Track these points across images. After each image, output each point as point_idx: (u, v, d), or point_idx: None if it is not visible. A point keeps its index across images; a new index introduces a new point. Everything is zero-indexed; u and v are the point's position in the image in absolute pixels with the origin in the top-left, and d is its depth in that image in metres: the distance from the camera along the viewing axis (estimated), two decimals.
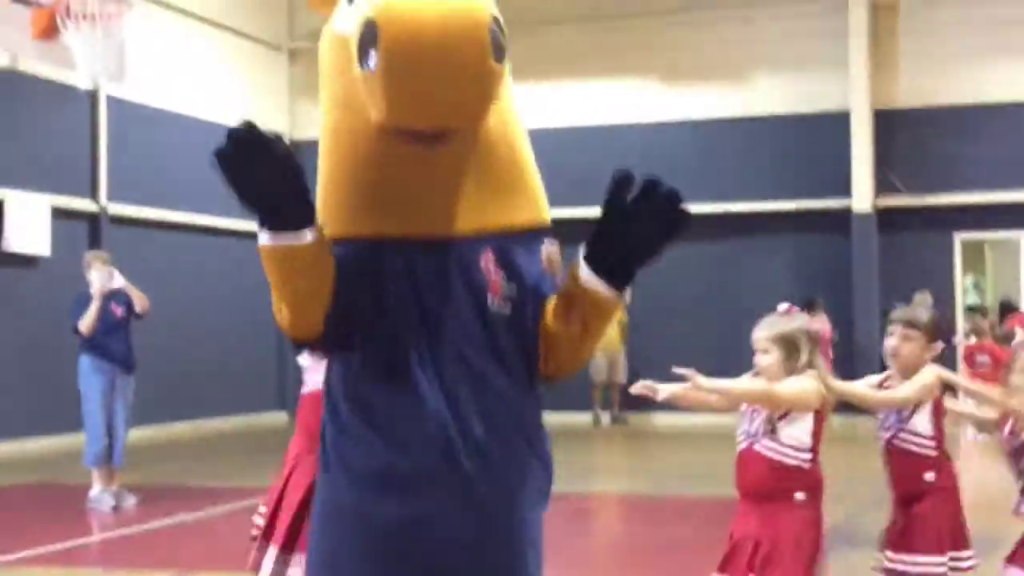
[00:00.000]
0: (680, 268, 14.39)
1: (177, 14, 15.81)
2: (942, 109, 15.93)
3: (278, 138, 2.18)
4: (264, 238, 2.23)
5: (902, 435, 4.47)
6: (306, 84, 17.78)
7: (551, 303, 2.37)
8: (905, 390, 4.42)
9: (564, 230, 2.63)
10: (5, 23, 7.75)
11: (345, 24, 2.30)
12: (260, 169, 2.16)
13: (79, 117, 14.24)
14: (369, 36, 2.11)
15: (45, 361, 12.97)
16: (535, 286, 2.38)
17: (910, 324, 4.51)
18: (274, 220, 2.20)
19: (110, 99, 14.39)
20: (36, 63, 9.67)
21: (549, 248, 2.42)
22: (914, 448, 4.46)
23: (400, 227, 2.30)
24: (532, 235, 2.42)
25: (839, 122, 16.14)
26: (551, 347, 2.38)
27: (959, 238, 16.03)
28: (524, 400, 2.37)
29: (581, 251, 2.31)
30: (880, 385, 4.59)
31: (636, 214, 2.23)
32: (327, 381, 2.40)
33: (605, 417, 16.31)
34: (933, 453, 4.46)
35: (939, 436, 4.48)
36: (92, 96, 14.11)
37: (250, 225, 2.29)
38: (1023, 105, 15.67)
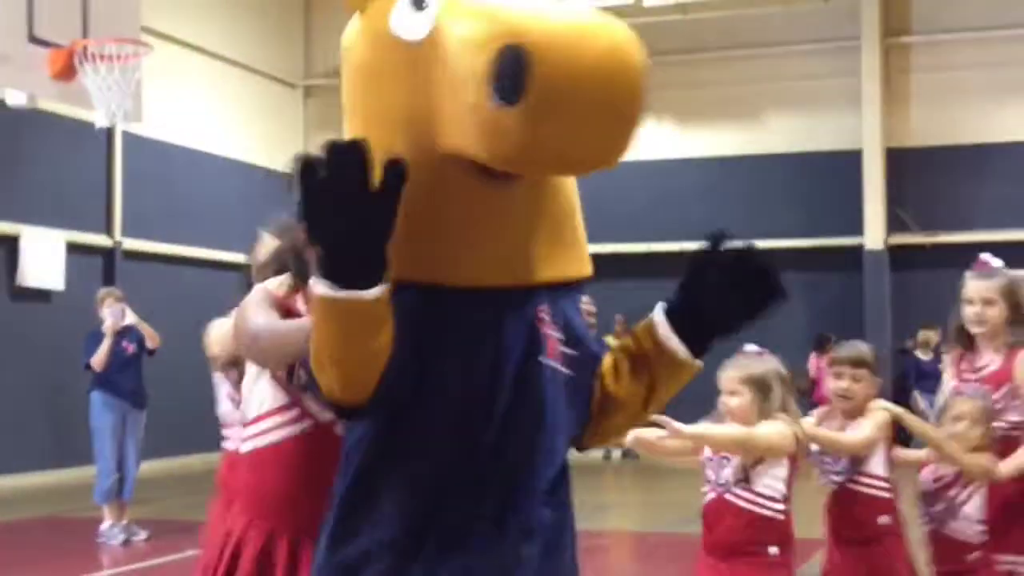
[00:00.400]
0: None
1: (192, 51, 15.95)
2: (954, 148, 15.96)
3: (395, 166, 1.81)
4: (326, 288, 1.84)
5: (857, 478, 4.23)
6: (321, 120, 17.88)
7: (609, 363, 2.17)
8: (866, 431, 4.20)
9: None
10: (23, 63, 7.83)
11: (412, 30, 1.96)
12: (356, 205, 1.79)
13: (95, 152, 14.35)
14: (512, 63, 1.75)
15: (58, 394, 13.00)
16: (590, 345, 2.17)
17: (859, 363, 4.28)
18: (348, 270, 1.83)
19: (126, 135, 14.51)
20: (53, 102, 9.77)
21: (587, 304, 2.26)
22: (870, 492, 4.23)
23: (456, 274, 1.99)
24: (579, 289, 2.19)
25: (851, 160, 16.18)
26: (606, 411, 2.16)
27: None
28: (566, 465, 2.14)
29: (660, 308, 2.13)
30: (818, 427, 4.33)
31: (727, 283, 2.07)
32: (350, 448, 2.08)
33: (616, 452, 16.26)
34: (888, 495, 4.25)
35: (892, 477, 4.29)
36: (108, 132, 14.23)
37: None
38: None
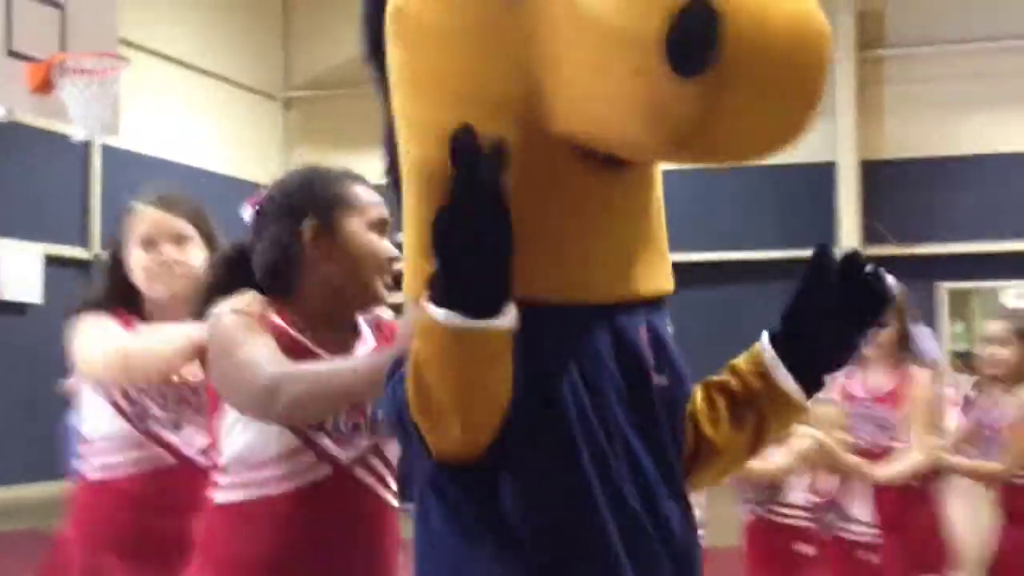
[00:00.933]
0: (673, 317, 14.45)
1: (171, 63, 15.93)
2: (928, 160, 16.10)
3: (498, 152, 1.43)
4: (453, 318, 1.45)
5: (775, 507, 4.12)
6: (301, 133, 17.90)
7: (703, 401, 1.79)
8: (780, 459, 4.05)
9: None
10: (1, 77, 7.83)
11: None
12: (491, 214, 1.43)
13: (72, 165, 14.33)
14: (702, 25, 1.39)
15: (35, 408, 12.95)
16: (684, 374, 1.77)
17: None
18: (477, 292, 1.46)
19: (104, 147, 14.50)
20: (31, 115, 9.77)
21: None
22: (791, 522, 4.12)
23: (561, 287, 1.61)
24: (665, 307, 1.82)
25: (826, 172, 16.30)
26: (701, 458, 1.77)
27: (944, 287, 16.14)
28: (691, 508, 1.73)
29: (767, 344, 1.77)
30: None
31: (837, 305, 1.72)
32: (452, 511, 1.59)
33: None
34: (808, 524, 4.14)
35: (818, 505, 4.22)
36: (85, 144, 14.21)
37: None
38: (1009, 156, 15.85)
